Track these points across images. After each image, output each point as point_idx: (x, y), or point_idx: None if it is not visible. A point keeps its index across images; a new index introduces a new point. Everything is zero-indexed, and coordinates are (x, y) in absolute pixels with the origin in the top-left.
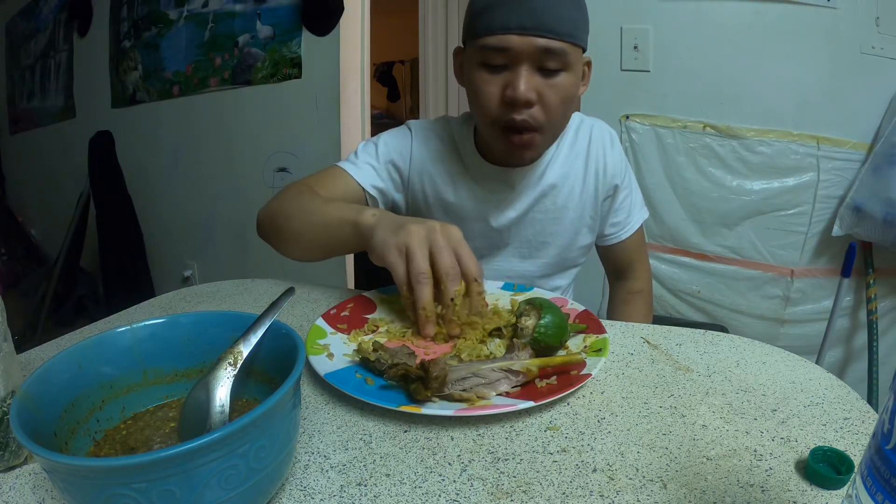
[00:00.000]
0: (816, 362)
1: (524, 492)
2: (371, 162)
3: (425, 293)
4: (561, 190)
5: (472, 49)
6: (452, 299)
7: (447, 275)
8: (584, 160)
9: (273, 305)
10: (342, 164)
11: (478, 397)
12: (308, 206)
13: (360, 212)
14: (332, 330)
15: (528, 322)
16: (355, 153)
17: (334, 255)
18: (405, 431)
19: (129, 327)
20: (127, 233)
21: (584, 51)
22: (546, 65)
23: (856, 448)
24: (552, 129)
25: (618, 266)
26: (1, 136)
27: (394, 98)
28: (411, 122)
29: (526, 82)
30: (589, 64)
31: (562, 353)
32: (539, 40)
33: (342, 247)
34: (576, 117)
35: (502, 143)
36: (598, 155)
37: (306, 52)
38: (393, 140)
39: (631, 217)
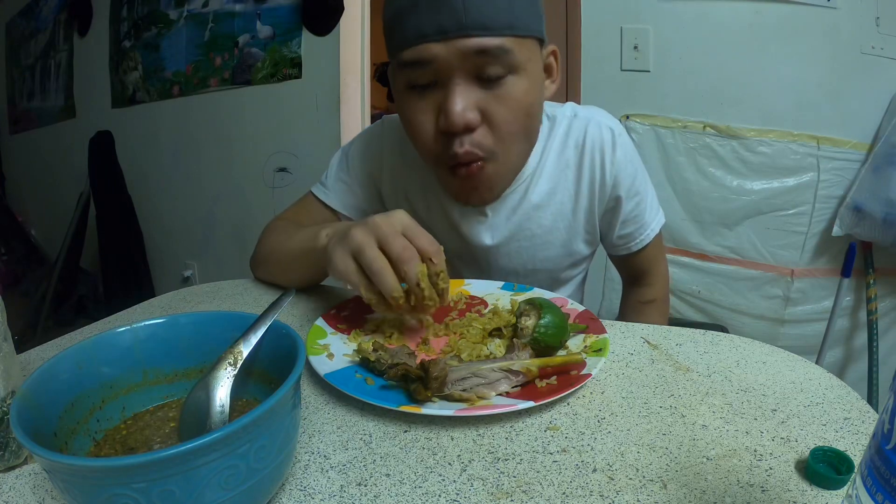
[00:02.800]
0: (816, 362)
1: (524, 492)
2: (343, 178)
3: (388, 280)
4: (547, 210)
5: (395, 70)
6: (419, 284)
7: (401, 259)
8: (576, 169)
9: (273, 305)
10: (315, 190)
11: (478, 397)
12: (278, 247)
13: (315, 238)
14: (332, 330)
15: (528, 322)
16: (327, 172)
17: (321, 278)
18: (405, 431)
19: (129, 327)
20: (127, 233)
21: (541, 42)
22: (485, 72)
23: (856, 448)
24: (510, 154)
25: (630, 273)
26: (1, 136)
27: (394, 98)
28: (386, 119)
29: (461, 101)
30: (555, 54)
31: (562, 353)
32: (467, 42)
33: (321, 275)
34: (567, 112)
35: (451, 185)
36: (595, 161)
37: (306, 52)
38: (364, 145)
39: (645, 227)
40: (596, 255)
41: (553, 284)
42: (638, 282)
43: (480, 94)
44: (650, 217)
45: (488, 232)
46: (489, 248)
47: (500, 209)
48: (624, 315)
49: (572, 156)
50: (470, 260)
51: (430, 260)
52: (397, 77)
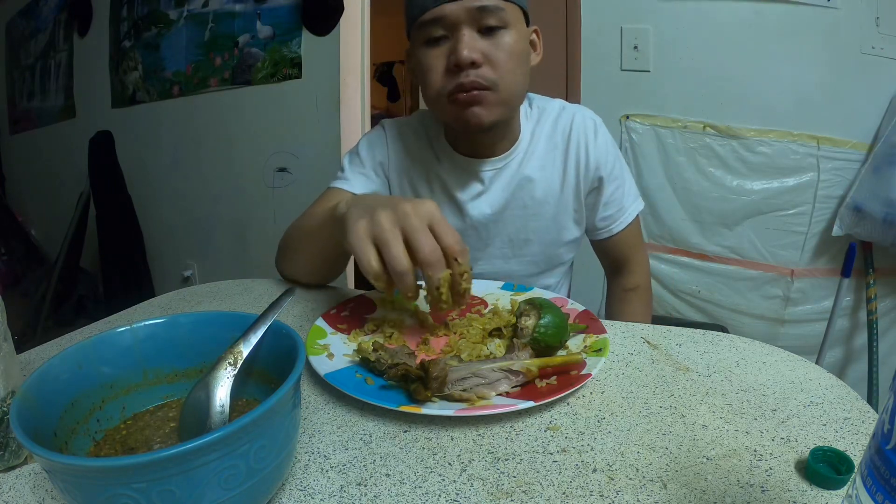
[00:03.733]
0: (816, 362)
1: (524, 492)
2: (359, 170)
3: (408, 282)
4: (538, 184)
5: (414, 35)
6: (438, 288)
7: (427, 263)
8: (564, 151)
9: (273, 305)
10: (334, 184)
11: (478, 397)
12: (300, 223)
13: (335, 206)
14: (332, 330)
15: (528, 322)
16: (342, 168)
17: (340, 263)
18: (405, 431)
19: (129, 327)
20: (127, 233)
21: (525, 14)
22: (485, 23)
23: (856, 448)
24: (506, 89)
25: (613, 261)
26: (1, 136)
27: (394, 98)
28: (385, 121)
29: (468, 44)
30: (537, 33)
31: (562, 353)
32: (471, 1)
33: (335, 248)
34: (555, 105)
35: (452, 110)
36: (580, 145)
37: (306, 52)
38: (370, 143)
39: (623, 210)
40: (594, 254)
41: (543, 262)
42: (621, 270)
43: (482, 42)
44: (629, 202)
45: (487, 202)
46: (488, 218)
47: (495, 179)
48: (610, 306)
49: (560, 140)
50: (472, 234)
51: (455, 259)
52: (416, 41)
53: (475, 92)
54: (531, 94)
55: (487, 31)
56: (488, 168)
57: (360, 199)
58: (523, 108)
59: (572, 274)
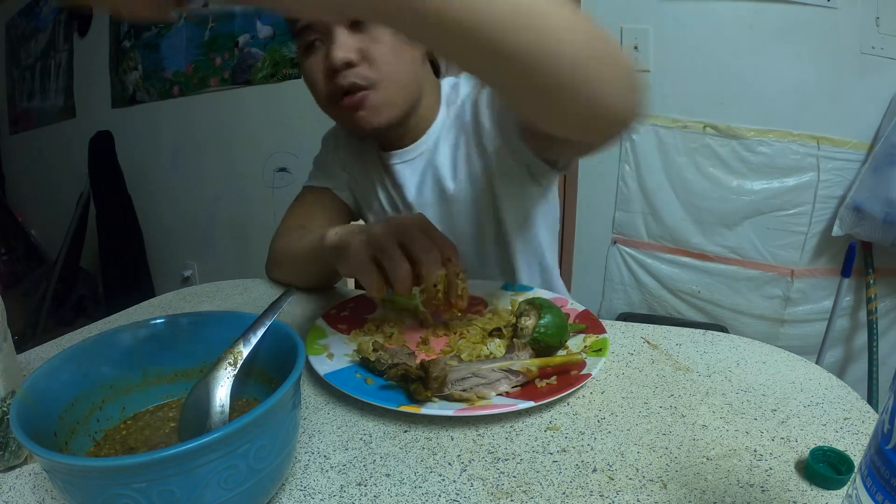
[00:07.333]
0: (816, 362)
1: (524, 492)
2: (323, 167)
3: (407, 287)
4: (447, 172)
5: (298, 46)
6: (436, 285)
7: (426, 263)
8: (461, 127)
9: (273, 305)
10: (309, 182)
11: (478, 397)
12: (289, 249)
13: (322, 237)
14: (332, 330)
15: (528, 322)
16: (310, 174)
17: (334, 279)
18: (405, 431)
19: (129, 327)
20: (127, 233)
21: None
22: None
23: (856, 448)
24: (390, 85)
25: None
26: (1, 136)
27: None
28: (328, 132)
29: (340, 45)
30: None
31: (562, 353)
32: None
33: (331, 275)
34: (447, 82)
35: (340, 115)
36: (474, 111)
37: None
38: (327, 142)
39: None
40: (594, 254)
41: (495, 259)
42: None
43: (358, 39)
44: None
45: (404, 196)
46: (416, 204)
47: (409, 173)
48: None
49: (457, 116)
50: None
51: (449, 259)
52: (298, 45)
53: (357, 94)
54: (459, 79)
55: (362, 27)
56: (396, 161)
57: (347, 227)
58: (445, 93)
59: (559, 271)
